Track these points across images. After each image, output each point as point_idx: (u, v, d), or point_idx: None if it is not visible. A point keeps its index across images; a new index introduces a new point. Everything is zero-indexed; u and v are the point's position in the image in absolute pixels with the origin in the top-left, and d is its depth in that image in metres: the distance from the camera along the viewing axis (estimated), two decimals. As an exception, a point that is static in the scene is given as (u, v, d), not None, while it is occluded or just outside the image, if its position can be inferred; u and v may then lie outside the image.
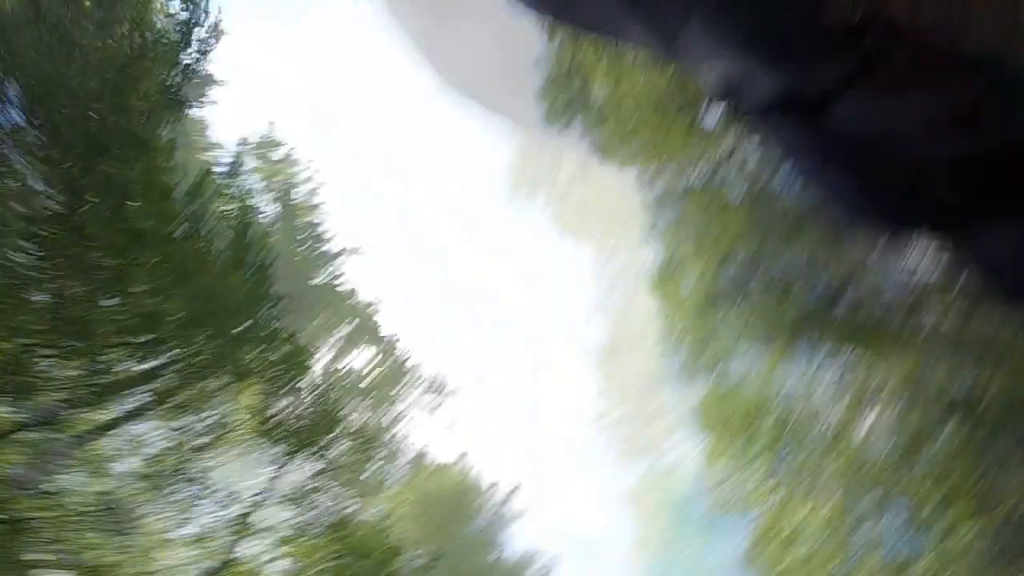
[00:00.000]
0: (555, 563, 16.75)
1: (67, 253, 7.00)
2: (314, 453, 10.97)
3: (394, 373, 21.17)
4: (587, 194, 14.78)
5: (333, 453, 11.72)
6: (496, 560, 16.85)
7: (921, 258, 7.81)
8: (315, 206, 19.72)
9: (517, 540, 17.18)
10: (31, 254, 6.84)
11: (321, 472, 11.22)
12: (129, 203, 8.64)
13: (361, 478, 13.28)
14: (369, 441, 12.87)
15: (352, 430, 12.76)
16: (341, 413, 12.16)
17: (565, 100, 12.46)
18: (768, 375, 10.63)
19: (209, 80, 12.57)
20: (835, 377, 9.64)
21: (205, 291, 10.03)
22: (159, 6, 8.91)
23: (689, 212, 11.36)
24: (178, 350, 8.90)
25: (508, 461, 15.82)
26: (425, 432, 17.79)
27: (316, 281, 20.21)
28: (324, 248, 20.09)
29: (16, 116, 7.14)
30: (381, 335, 21.35)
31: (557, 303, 16.10)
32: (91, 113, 7.59)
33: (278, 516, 10.25)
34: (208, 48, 9.11)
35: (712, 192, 10.66)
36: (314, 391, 11.64)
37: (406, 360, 21.16)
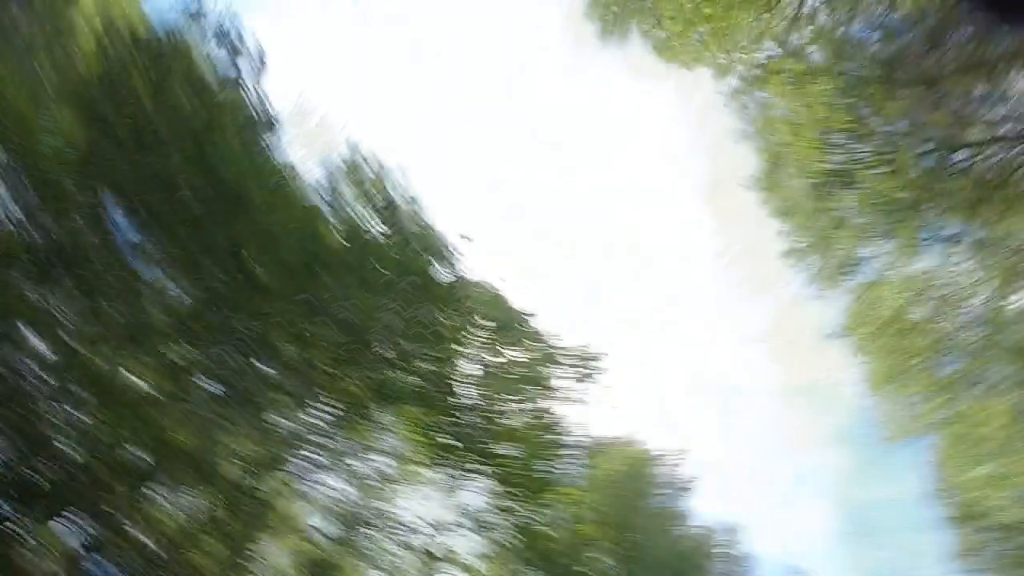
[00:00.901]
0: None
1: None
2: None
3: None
4: (653, 30, 14.00)
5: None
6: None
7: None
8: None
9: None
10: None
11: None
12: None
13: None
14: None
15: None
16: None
17: (615, 10, 11.41)
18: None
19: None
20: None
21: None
22: (204, 61, 9.06)
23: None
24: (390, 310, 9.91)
25: (635, 320, 15.74)
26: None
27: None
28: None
29: (133, 236, 7.94)
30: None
31: (649, 149, 15.67)
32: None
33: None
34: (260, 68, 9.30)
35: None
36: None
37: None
